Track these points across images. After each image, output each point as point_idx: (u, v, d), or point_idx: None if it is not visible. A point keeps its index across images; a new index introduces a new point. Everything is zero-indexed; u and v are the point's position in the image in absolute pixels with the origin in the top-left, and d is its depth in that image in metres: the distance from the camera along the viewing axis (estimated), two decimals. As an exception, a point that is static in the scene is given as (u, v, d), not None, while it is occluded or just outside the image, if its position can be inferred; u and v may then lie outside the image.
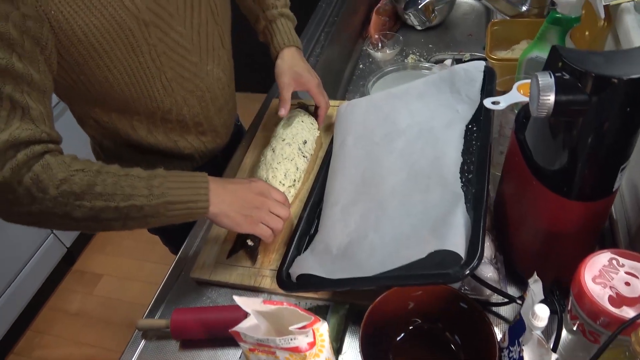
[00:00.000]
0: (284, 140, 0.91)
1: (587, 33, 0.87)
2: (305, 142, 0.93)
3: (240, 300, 0.53)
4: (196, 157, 0.97)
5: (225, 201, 0.72)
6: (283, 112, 0.93)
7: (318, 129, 0.98)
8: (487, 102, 0.71)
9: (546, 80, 0.48)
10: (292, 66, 0.94)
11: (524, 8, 1.04)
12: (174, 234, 0.98)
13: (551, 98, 0.48)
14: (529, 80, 0.75)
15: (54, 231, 1.99)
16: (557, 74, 0.49)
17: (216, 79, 0.90)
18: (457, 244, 0.61)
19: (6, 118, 0.59)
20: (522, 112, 0.64)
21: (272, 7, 0.97)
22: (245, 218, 0.73)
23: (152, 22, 0.74)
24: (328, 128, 1.01)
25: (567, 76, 0.49)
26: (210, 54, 0.87)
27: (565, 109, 0.49)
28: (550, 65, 0.52)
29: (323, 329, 0.55)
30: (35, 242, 1.92)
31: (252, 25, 1.02)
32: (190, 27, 0.81)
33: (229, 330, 0.53)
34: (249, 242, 0.80)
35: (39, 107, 0.63)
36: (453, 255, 0.60)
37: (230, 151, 1.05)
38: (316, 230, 0.82)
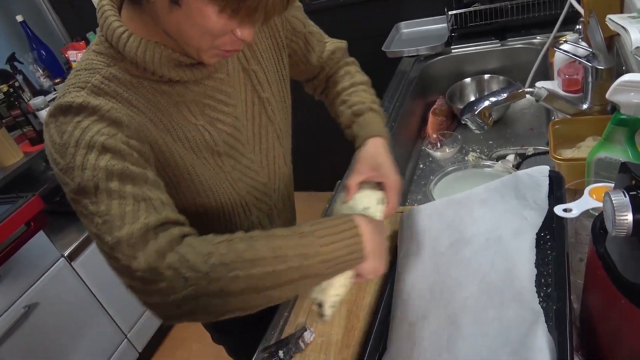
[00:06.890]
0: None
1: (658, 128, 0.83)
2: (365, 209, 0.81)
3: None
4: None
5: (372, 250, 0.70)
6: (346, 198, 0.86)
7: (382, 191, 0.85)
8: (559, 210, 0.69)
9: (620, 199, 0.46)
10: (374, 155, 0.85)
11: (585, 106, 1.01)
12: (237, 343, 0.97)
13: (629, 217, 0.45)
14: (601, 184, 0.72)
15: (127, 336, 2.06)
16: (631, 193, 0.46)
17: (281, 194, 0.96)
18: (543, 371, 0.55)
19: (132, 212, 0.62)
20: (598, 223, 0.60)
21: (359, 103, 0.94)
22: (381, 259, 0.72)
23: (225, 152, 0.82)
24: (392, 236, 1.00)
25: (643, 193, 0.46)
26: (277, 173, 0.93)
27: (647, 228, 0.46)
28: (621, 182, 0.50)
29: None
30: (109, 349, 1.99)
31: (338, 121, 0.98)
32: (259, 152, 0.88)
33: None
34: (281, 354, 0.78)
35: (160, 197, 0.66)
36: (539, 384, 0.55)
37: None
38: (385, 348, 0.78)
